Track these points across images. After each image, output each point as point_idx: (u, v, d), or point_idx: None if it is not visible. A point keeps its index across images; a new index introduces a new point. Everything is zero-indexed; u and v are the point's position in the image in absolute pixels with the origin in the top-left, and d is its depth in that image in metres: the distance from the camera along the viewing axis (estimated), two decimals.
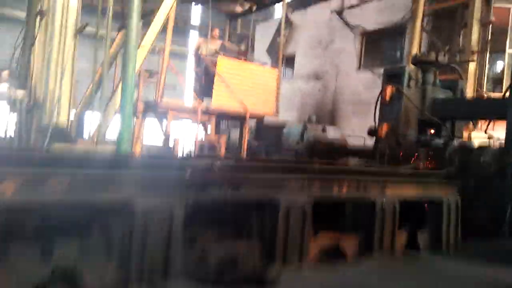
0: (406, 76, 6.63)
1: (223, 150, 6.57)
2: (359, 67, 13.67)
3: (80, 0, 5.22)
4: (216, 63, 7.01)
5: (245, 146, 7.18)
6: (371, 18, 13.22)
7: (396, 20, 12.12)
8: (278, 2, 8.10)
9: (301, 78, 15.66)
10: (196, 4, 8.66)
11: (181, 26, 20.27)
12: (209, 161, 3.20)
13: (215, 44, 7.65)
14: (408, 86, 6.65)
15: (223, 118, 7.56)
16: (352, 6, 13.96)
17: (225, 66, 7.02)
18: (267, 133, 9.33)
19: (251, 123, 9.89)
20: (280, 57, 8.12)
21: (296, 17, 16.12)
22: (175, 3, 6.18)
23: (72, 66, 5.18)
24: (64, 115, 5.04)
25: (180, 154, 6.40)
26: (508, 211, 4.97)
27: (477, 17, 10.28)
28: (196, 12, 23.82)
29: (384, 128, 6.64)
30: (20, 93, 4.63)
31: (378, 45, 13.74)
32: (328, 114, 14.38)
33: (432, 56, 6.96)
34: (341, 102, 14.06)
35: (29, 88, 4.95)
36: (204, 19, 23.75)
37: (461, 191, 5.16)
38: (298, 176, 3.45)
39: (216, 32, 7.85)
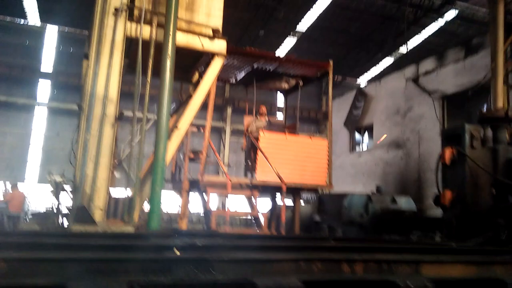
0: (467, 135, 5.78)
1: (265, 225, 6.21)
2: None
3: (119, 93, 5.72)
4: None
5: (295, 222, 6.71)
6: (450, 82, 12.35)
7: (477, 80, 11.09)
8: (323, 78, 8.00)
9: (381, 147, 14.83)
10: (239, 85, 8.87)
11: (217, 103, 20.97)
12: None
13: (262, 121, 7.68)
14: (472, 146, 5.76)
15: (268, 192, 7.29)
16: (427, 72, 13.27)
17: (268, 140, 6.92)
18: (331, 206, 8.70)
19: (313, 196, 9.40)
20: (330, 127, 7.78)
21: (370, 89, 15.81)
22: (213, 87, 6.46)
23: (110, 152, 5.54)
24: (99, 197, 5.30)
25: (211, 227, 6.20)
26: None
27: None
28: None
29: (448, 195, 5.72)
30: (57, 177, 5.03)
31: (461, 108, 12.58)
32: (413, 183, 13.17)
33: (501, 111, 6.05)
34: (427, 170, 12.79)
35: (73, 173, 5.37)
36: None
37: None
38: (286, 256, 3.01)
39: (263, 109, 7.92)
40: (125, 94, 6.56)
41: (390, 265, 3.42)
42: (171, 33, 5.66)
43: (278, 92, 9.02)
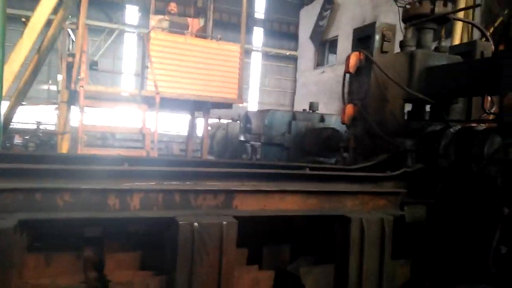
0: (378, 36, 4.71)
1: (147, 143, 5.39)
2: None
3: None
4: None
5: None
6: None
7: None
8: None
9: (344, 63, 13.64)
10: None
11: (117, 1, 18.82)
12: None
13: (167, 21, 6.50)
14: (382, 51, 4.72)
15: (167, 106, 6.39)
16: None
17: (161, 43, 5.83)
18: (255, 124, 7.85)
19: (240, 113, 8.57)
20: (243, 30, 6.59)
21: None
22: None
23: None
24: None
25: None
26: (496, 235, 2.94)
27: None
28: None
29: (348, 111, 4.80)
30: None
31: None
32: None
33: (426, 7, 4.90)
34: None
35: None
36: None
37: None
38: None
39: (173, 7, 6.69)
40: None
41: (188, 195, 2.61)
42: None
43: None
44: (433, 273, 3.27)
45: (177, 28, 6.32)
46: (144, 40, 6.29)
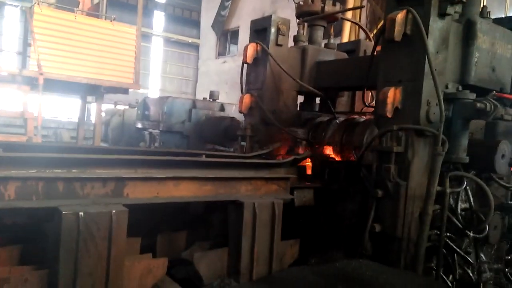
0: (274, 30, 4.91)
1: (30, 128, 4.91)
2: None
3: None
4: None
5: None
6: None
7: None
8: None
9: None
10: None
11: None
12: None
13: None
14: (277, 44, 4.93)
15: (55, 89, 5.91)
16: None
17: (47, 19, 5.33)
18: (154, 111, 7.65)
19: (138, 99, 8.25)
20: (140, 12, 6.34)
21: None
22: None
23: None
24: None
25: None
26: (371, 215, 3.28)
27: None
28: None
29: (246, 100, 4.94)
30: None
31: None
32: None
33: (318, 5, 5.22)
34: None
35: None
36: None
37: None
38: None
39: None
40: None
41: (73, 184, 2.45)
42: None
43: None
44: (318, 251, 3.56)
45: (66, 4, 5.80)
46: (27, 15, 5.65)
